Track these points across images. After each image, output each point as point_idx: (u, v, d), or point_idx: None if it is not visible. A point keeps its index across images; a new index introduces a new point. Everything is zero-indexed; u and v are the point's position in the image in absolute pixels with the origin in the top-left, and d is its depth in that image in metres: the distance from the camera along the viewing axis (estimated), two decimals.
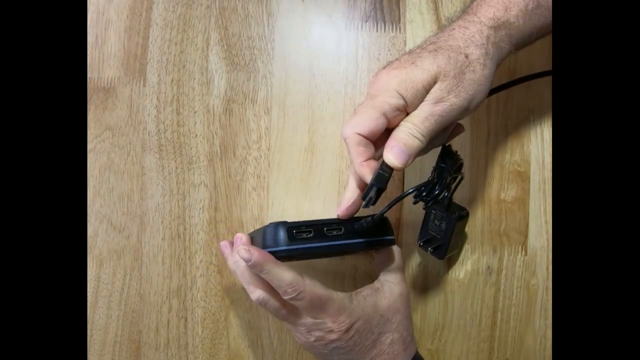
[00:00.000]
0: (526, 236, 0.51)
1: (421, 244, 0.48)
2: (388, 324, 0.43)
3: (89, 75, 0.53)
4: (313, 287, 0.40)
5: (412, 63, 0.38)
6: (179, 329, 0.52)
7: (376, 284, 0.45)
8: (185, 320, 0.52)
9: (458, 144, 0.51)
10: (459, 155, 0.45)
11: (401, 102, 0.38)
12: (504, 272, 0.51)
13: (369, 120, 0.38)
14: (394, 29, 0.52)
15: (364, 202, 0.40)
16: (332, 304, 0.40)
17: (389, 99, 0.38)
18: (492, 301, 0.51)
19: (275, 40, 0.52)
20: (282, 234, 0.40)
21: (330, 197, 0.51)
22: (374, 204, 0.40)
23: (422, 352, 0.51)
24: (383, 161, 0.39)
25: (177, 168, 0.52)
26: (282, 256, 0.40)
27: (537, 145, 0.51)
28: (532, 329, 0.51)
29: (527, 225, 0.51)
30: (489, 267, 0.51)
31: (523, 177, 0.51)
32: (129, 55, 0.53)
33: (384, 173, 0.38)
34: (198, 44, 0.53)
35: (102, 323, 0.52)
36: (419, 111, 0.39)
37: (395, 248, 0.46)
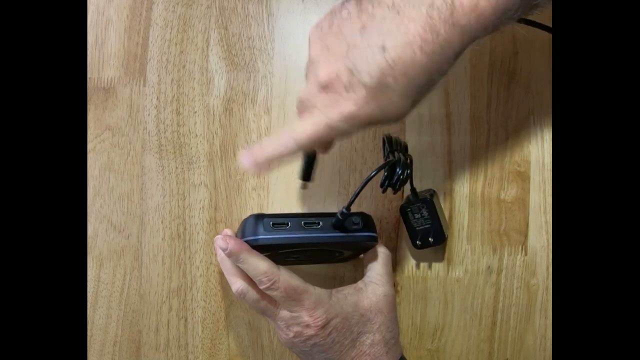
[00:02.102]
0: (526, 236, 0.51)
1: (419, 244, 0.48)
2: (369, 324, 0.43)
3: (89, 75, 0.53)
4: (288, 278, 0.40)
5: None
6: (179, 329, 0.52)
7: (360, 284, 0.45)
8: (185, 320, 0.52)
9: (458, 143, 0.51)
10: (399, 138, 0.47)
11: None
12: (504, 272, 0.51)
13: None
14: None
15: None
16: (308, 297, 0.40)
17: None
18: (492, 301, 0.51)
19: (275, 40, 0.52)
20: (259, 224, 0.41)
21: (330, 197, 0.51)
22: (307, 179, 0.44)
23: (422, 352, 0.51)
24: None
25: (177, 168, 0.52)
26: (260, 246, 0.41)
27: (537, 145, 0.51)
28: (532, 329, 0.51)
29: (527, 225, 0.51)
30: (489, 267, 0.51)
31: (523, 177, 0.51)
32: (129, 55, 0.53)
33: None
34: (198, 44, 0.53)
35: (102, 323, 0.52)
36: None
37: (383, 249, 0.46)
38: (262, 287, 0.40)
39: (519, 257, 0.51)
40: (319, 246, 0.42)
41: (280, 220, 0.41)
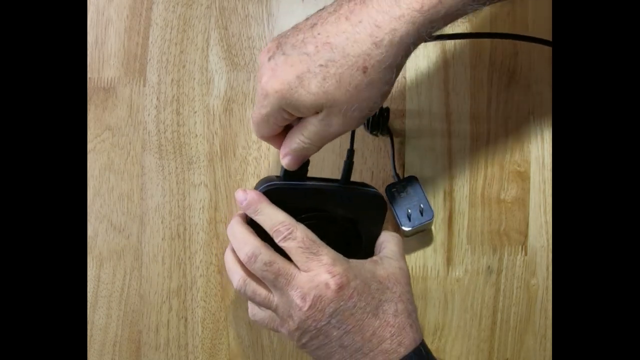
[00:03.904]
0: (526, 236, 0.51)
1: (409, 220, 0.48)
2: (389, 292, 0.40)
3: (89, 75, 0.53)
4: (306, 231, 0.40)
5: (298, 77, 0.35)
6: (179, 329, 0.52)
7: (374, 257, 0.44)
8: (185, 320, 0.52)
9: (458, 143, 0.51)
10: None
11: (286, 115, 0.37)
12: (504, 272, 0.51)
13: (263, 129, 0.39)
14: None
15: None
16: (326, 252, 0.39)
17: (273, 114, 0.37)
18: (492, 301, 0.51)
19: None
20: (273, 178, 0.42)
21: None
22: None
23: None
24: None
25: (177, 168, 0.52)
26: (274, 191, 0.41)
27: (537, 145, 0.51)
28: (532, 329, 0.51)
29: (527, 225, 0.51)
30: (489, 267, 0.51)
31: (523, 177, 0.51)
32: (129, 55, 0.53)
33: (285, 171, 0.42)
34: (198, 44, 0.53)
35: (102, 323, 0.52)
36: (311, 126, 0.37)
37: (394, 233, 0.46)
38: (279, 238, 0.39)
39: (519, 257, 0.51)
40: (329, 204, 0.42)
41: (294, 177, 0.42)
